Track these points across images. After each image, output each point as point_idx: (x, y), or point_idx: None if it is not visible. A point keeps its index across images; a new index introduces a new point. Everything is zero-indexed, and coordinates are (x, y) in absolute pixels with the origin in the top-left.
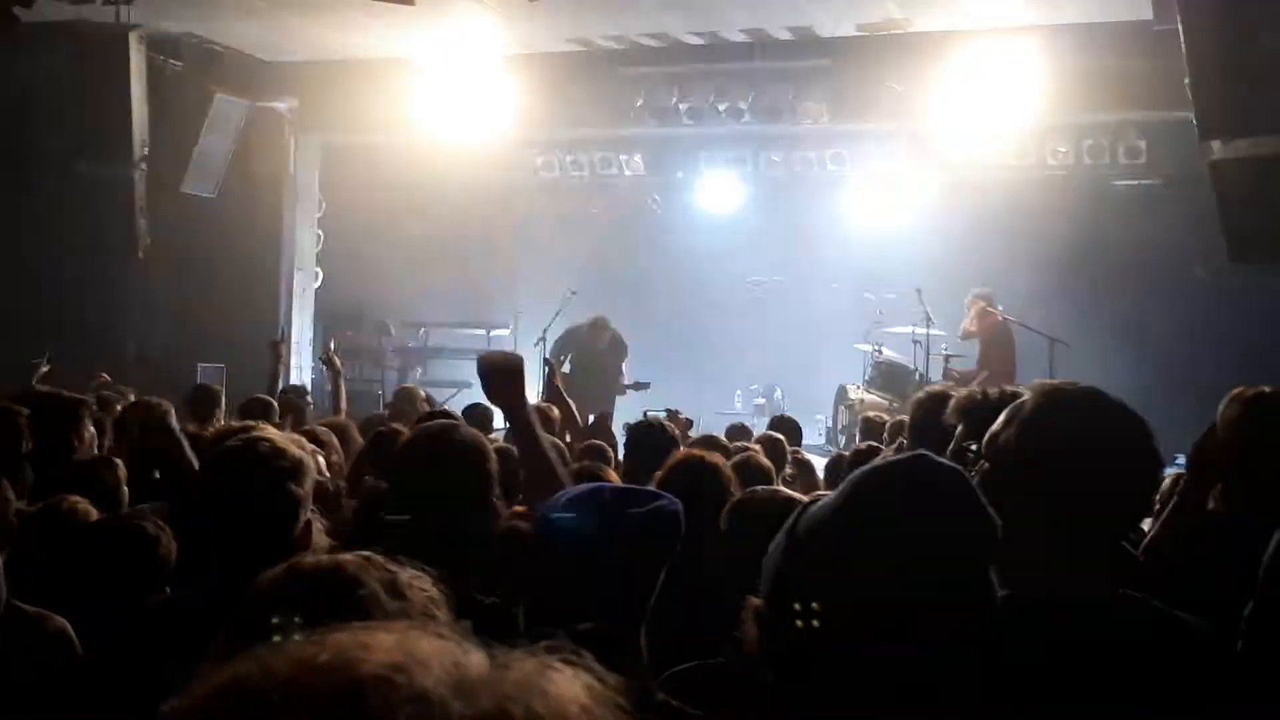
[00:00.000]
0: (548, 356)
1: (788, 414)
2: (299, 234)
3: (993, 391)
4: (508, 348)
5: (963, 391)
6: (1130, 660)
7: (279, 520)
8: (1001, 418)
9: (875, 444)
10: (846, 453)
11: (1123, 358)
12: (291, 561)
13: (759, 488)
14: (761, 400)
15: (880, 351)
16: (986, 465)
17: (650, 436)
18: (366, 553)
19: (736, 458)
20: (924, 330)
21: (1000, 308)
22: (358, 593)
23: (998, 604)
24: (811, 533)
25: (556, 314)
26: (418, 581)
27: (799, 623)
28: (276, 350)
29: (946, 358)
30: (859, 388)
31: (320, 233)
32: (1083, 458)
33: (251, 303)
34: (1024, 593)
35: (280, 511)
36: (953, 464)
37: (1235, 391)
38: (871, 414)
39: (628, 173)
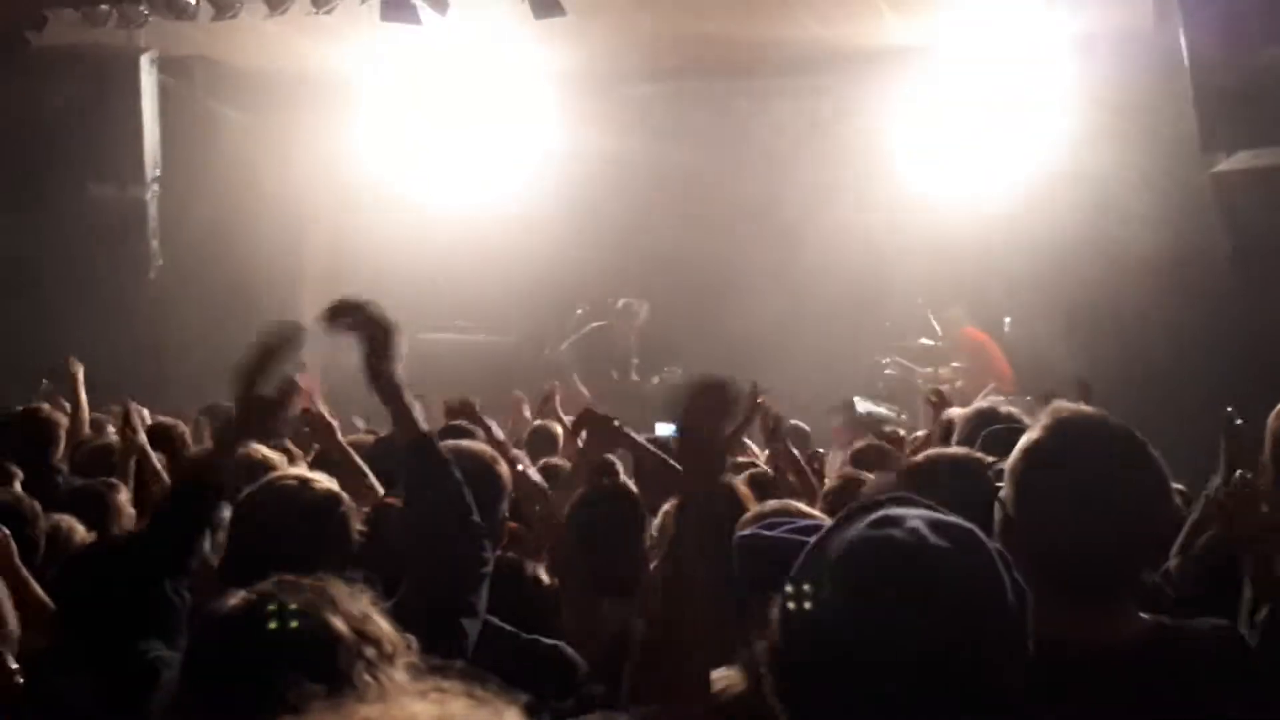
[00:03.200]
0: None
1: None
2: (312, 253)
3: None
4: (506, 354)
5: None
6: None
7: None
8: (1017, 451)
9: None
10: None
11: (1118, 375)
12: (249, 599)
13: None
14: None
15: (888, 363)
16: (1007, 494)
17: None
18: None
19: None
20: (930, 342)
21: (966, 323)
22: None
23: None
24: (807, 611)
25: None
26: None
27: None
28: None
29: (955, 369)
30: (865, 400)
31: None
32: (1094, 491)
33: (266, 324)
34: (1052, 634)
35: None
36: (959, 534)
37: None
38: (888, 429)
39: (629, 187)
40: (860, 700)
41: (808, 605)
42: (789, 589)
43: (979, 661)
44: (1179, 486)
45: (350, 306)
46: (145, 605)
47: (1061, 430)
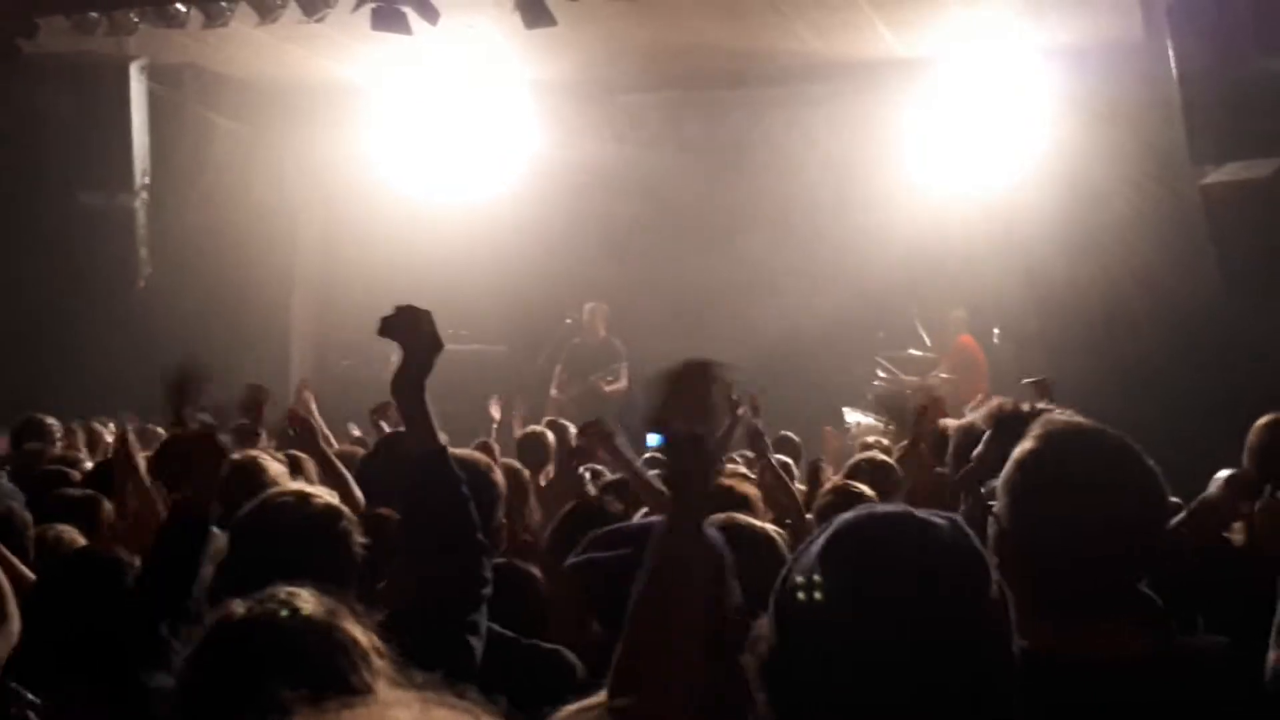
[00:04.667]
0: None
1: (787, 434)
2: (303, 262)
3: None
4: (504, 363)
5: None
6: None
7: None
8: (1010, 462)
9: None
10: None
11: (1109, 386)
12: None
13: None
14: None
15: (879, 374)
16: (1001, 508)
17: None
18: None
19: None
20: (919, 352)
21: (965, 329)
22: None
23: (1015, 671)
24: (796, 597)
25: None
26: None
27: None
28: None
29: (942, 380)
30: (856, 411)
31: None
32: (1090, 501)
33: (258, 334)
34: (1053, 651)
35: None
36: (943, 517)
37: (1265, 419)
38: (870, 439)
39: (622, 197)
40: (861, 686)
41: (801, 596)
42: (779, 589)
43: (976, 640)
44: (1172, 499)
45: (410, 317)
46: (146, 644)
47: (1054, 440)
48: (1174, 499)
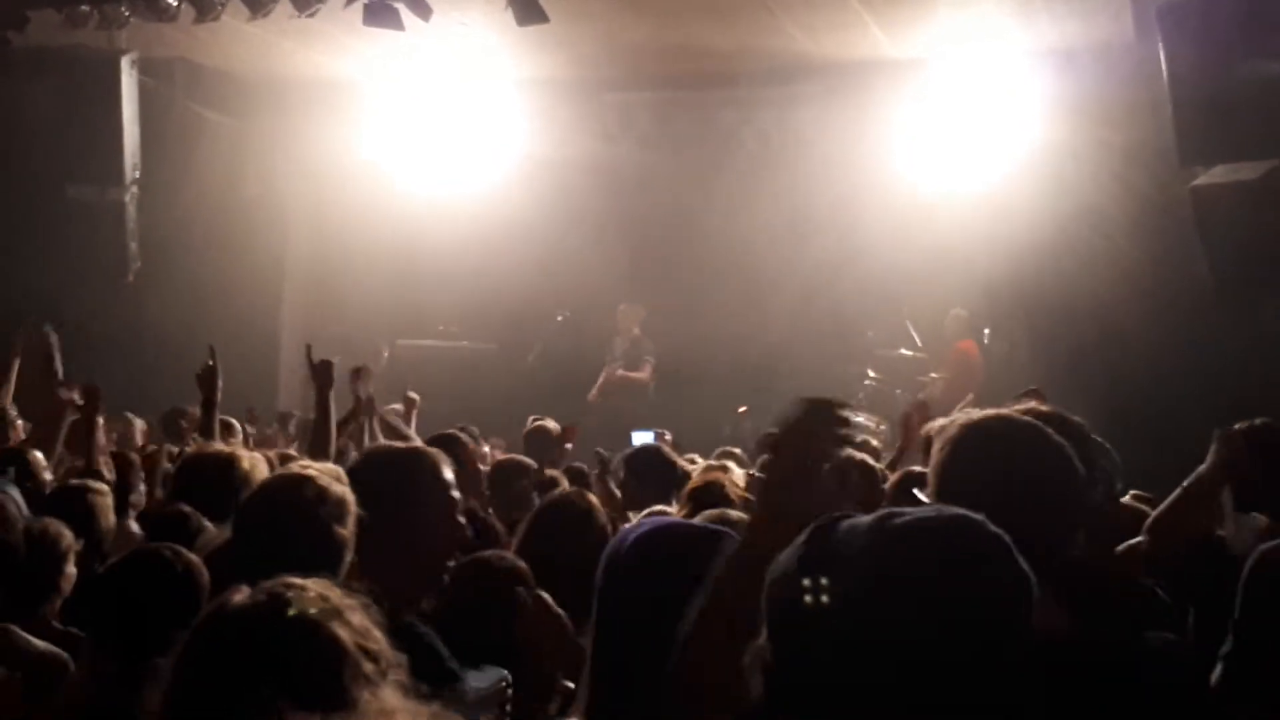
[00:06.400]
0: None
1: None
2: (293, 256)
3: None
4: (494, 361)
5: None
6: (1112, 698)
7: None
8: (934, 455)
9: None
10: None
11: (1098, 387)
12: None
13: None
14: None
15: (869, 374)
16: (930, 491)
17: (652, 465)
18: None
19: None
20: (910, 353)
21: (966, 332)
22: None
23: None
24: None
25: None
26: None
27: (815, 682)
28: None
29: (933, 379)
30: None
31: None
32: (1004, 487)
33: (248, 328)
34: None
35: (322, 559)
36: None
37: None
38: (859, 438)
39: (612, 195)
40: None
41: (829, 595)
42: (805, 583)
43: (1014, 640)
44: (1144, 493)
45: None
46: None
47: (973, 427)
48: (1144, 494)
